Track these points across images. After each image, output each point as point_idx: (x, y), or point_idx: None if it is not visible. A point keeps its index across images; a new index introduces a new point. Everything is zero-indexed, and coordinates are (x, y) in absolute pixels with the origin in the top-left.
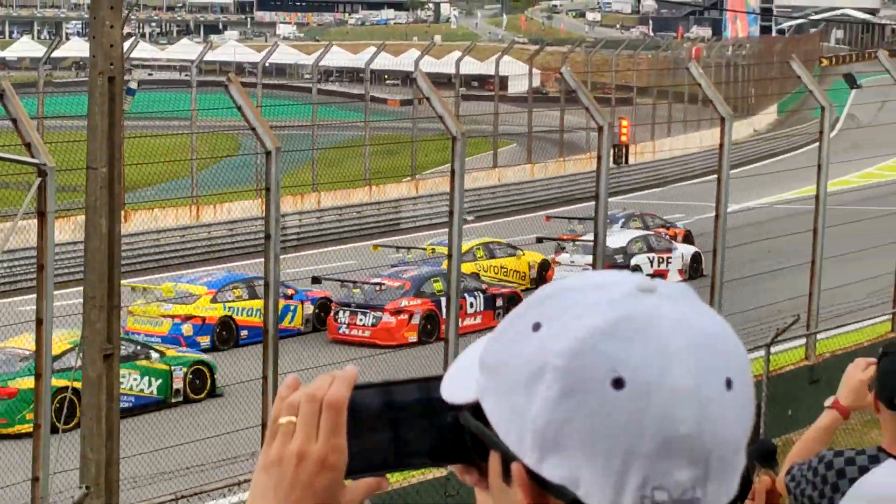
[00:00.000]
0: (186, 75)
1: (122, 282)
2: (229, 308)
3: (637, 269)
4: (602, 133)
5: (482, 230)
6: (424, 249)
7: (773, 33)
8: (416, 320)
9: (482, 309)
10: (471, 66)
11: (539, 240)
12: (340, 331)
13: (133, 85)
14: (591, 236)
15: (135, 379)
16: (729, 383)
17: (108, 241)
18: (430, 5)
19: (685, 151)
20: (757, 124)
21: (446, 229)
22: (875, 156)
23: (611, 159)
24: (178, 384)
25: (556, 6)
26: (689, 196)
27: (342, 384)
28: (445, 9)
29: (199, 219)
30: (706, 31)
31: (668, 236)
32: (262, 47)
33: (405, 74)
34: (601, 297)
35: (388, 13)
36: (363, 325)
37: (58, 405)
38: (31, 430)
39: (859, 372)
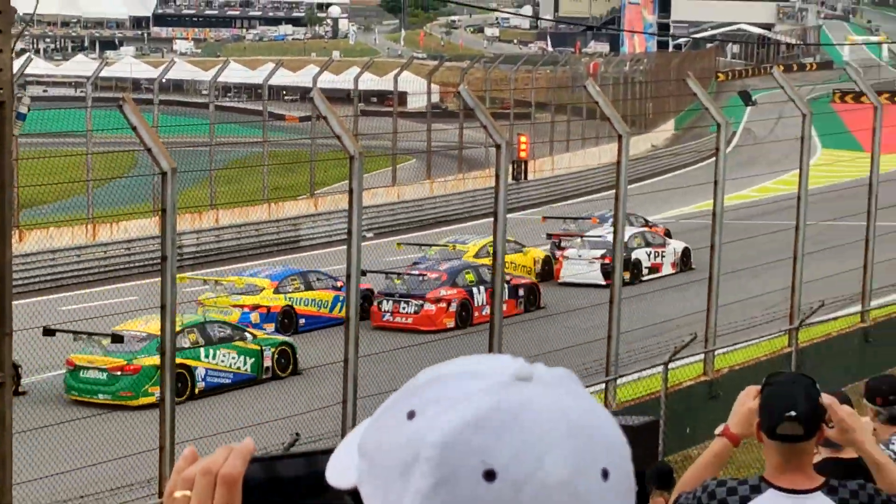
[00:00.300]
0: (82, 92)
1: (190, 274)
2: (289, 298)
3: (638, 262)
4: (500, 151)
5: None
6: (446, 247)
7: (670, 48)
8: (453, 308)
9: (506, 298)
10: (370, 82)
11: (549, 236)
12: (385, 318)
13: (23, 109)
14: (597, 231)
15: (233, 358)
16: (605, 474)
17: (0, 268)
18: (329, 21)
19: (584, 167)
20: (655, 140)
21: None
22: (772, 171)
23: (510, 175)
24: (267, 363)
25: (454, 21)
26: (589, 210)
27: (237, 458)
28: (344, 25)
29: (95, 238)
30: (604, 47)
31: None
32: (158, 63)
33: (304, 90)
34: (476, 387)
35: (286, 29)
36: (406, 312)
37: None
38: (152, 401)
39: (749, 399)
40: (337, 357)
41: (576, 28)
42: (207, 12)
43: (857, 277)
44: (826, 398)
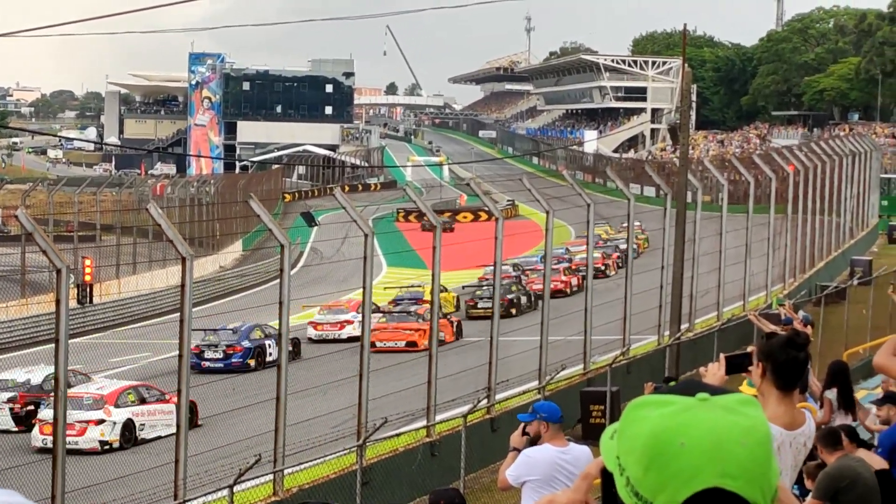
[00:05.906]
0: None
1: None
2: None
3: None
4: (60, 275)
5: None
6: None
7: (238, 170)
8: None
9: None
10: None
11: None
12: None
13: None
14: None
15: None
16: None
17: None
18: None
19: (152, 289)
20: (223, 260)
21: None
22: (339, 290)
23: (74, 299)
24: None
25: (16, 143)
26: (154, 334)
27: None
28: None
29: None
30: (171, 168)
31: None
32: None
33: None
34: None
35: None
36: None
37: None
38: None
39: None
40: None
41: (141, 149)
42: None
43: (423, 393)
44: None
